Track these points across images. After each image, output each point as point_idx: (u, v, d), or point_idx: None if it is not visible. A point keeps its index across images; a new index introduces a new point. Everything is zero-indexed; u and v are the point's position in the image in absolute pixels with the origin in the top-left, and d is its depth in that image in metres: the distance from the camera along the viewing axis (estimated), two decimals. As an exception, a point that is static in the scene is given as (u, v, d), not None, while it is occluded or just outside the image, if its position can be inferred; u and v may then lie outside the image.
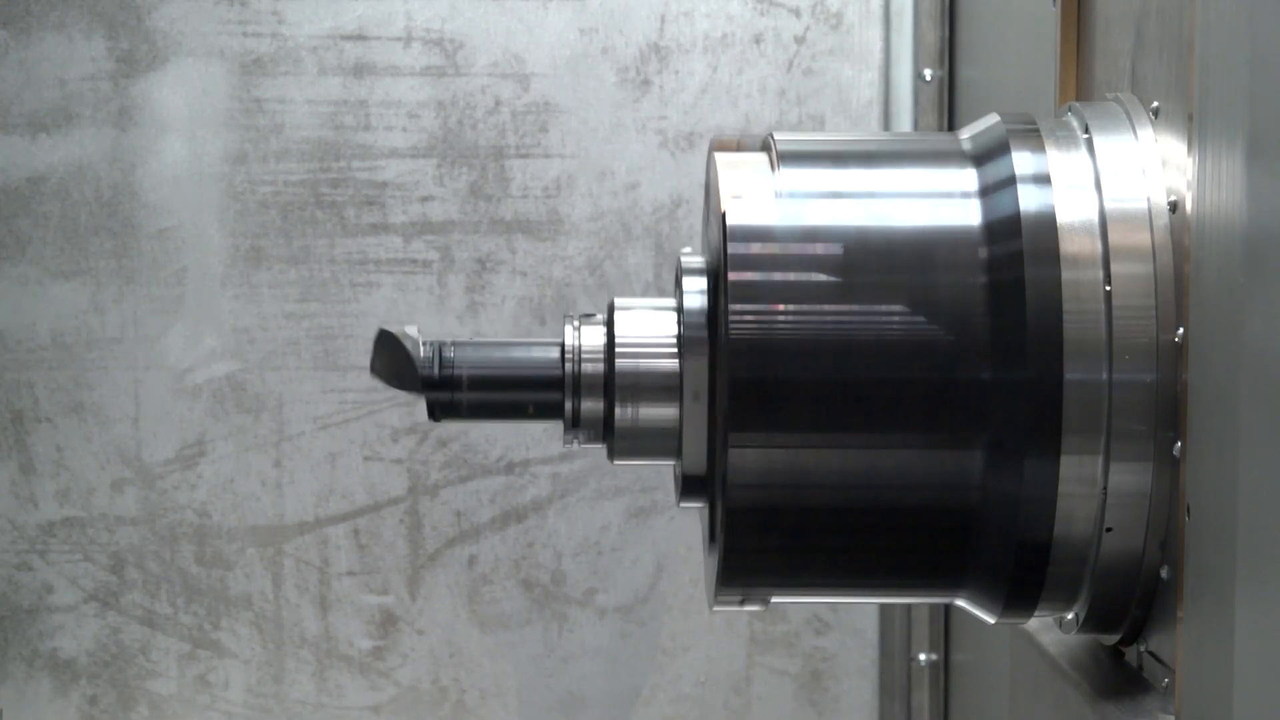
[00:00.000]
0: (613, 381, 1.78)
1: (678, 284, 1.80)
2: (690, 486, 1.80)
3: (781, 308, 1.69)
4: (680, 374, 1.76)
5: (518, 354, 1.84)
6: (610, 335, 1.80)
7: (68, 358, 3.01)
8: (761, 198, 1.73)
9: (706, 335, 1.75)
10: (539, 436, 3.03)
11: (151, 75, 2.98)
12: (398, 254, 3.01)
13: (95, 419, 3.02)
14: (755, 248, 1.70)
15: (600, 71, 3.00)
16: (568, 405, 1.80)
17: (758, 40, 2.99)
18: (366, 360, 3.00)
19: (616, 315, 1.80)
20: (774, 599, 1.80)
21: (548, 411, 1.82)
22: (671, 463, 1.83)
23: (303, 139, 2.99)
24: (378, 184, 3.00)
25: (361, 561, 3.05)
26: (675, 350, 1.77)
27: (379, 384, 1.86)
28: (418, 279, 3.01)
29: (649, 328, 1.80)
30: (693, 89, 3.00)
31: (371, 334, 3.04)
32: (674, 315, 1.79)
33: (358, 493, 3.05)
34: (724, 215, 1.71)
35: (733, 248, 1.70)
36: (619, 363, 1.78)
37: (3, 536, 3.04)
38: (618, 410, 1.78)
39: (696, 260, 1.81)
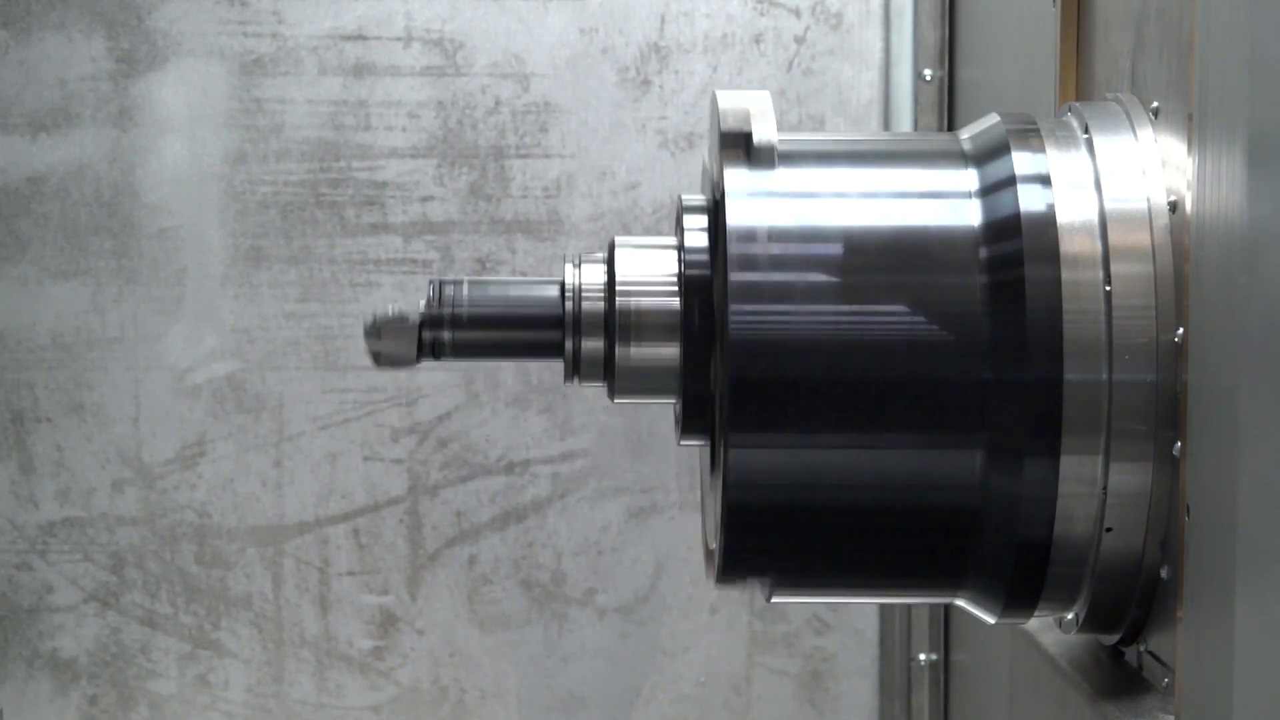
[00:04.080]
0: (613, 320, 1.77)
1: (679, 222, 1.80)
2: (691, 424, 1.78)
3: (781, 308, 1.69)
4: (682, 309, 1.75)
5: (518, 292, 1.83)
6: (611, 274, 1.79)
7: (68, 358, 3.01)
8: (763, 197, 1.73)
9: (709, 274, 1.74)
10: (539, 436, 3.03)
11: (151, 75, 2.98)
12: (398, 254, 3.01)
13: (95, 419, 3.02)
14: (755, 248, 1.70)
15: (600, 71, 3.00)
16: (568, 344, 1.79)
17: (758, 40, 2.99)
18: (366, 360, 3.01)
19: (617, 254, 1.80)
20: (774, 599, 1.80)
21: (547, 350, 1.81)
22: (672, 401, 1.81)
23: (303, 139, 2.99)
24: (378, 184, 3.00)
25: (361, 561, 3.05)
26: (676, 288, 1.76)
27: (376, 345, 1.83)
28: (418, 279, 3.01)
29: (649, 266, 1.79)
30: (693, 89, 3.00)
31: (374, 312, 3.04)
32: (675, 254, 1.79)
33: (358, 493, 3.05)
34: (724, 215, 1.71)
35: (733, 248, 1.70)
36: (619, 301, 1.77)
37: (3, 536, 3.04)
38: (618, 349, 1.77)
39: (697, 199, 1.81)
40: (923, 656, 3.04)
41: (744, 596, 3.02)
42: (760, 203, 1.73)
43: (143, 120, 2.99)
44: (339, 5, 2.98)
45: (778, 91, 2.99)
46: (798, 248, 1.71)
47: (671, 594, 3.06)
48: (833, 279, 1.70)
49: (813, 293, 1.70)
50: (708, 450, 1.81)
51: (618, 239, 1.82)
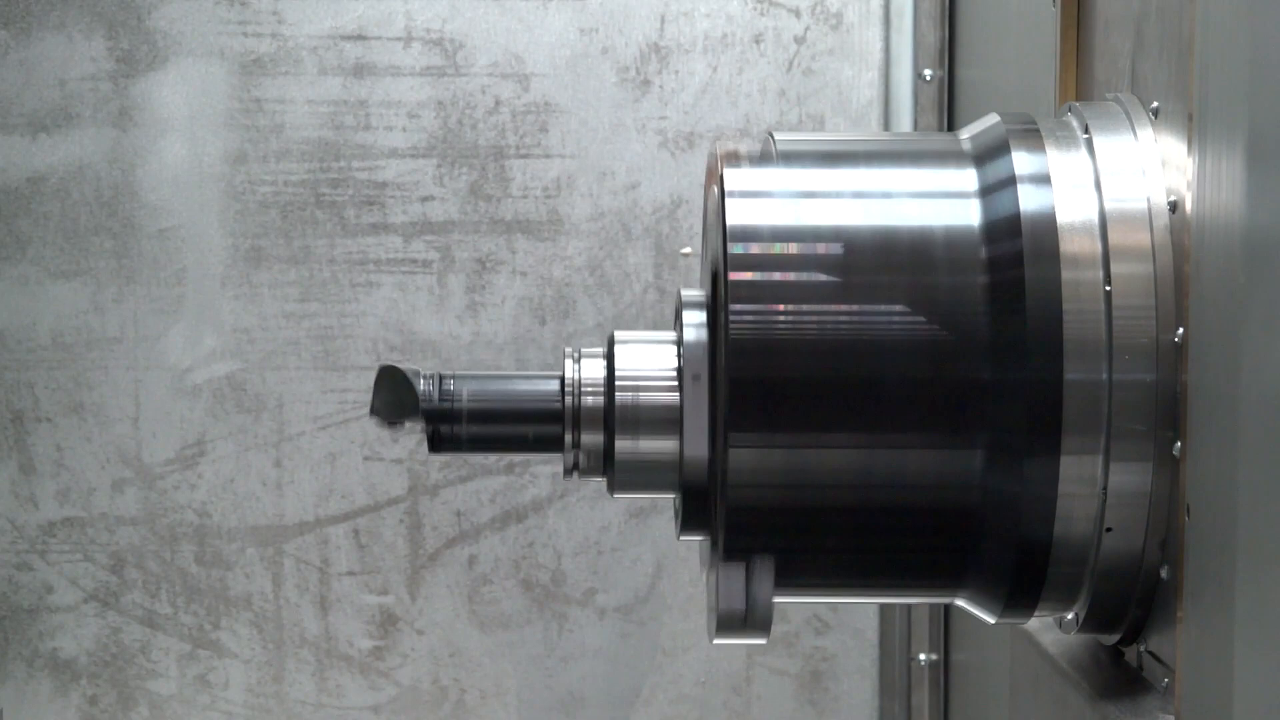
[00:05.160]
0: (613, 415, 1.79)
1: (677, 317, 1.81)
2: (691, 519, 1.80)
3: (781, 307, 1.69)
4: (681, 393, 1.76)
5: (518, 387, 1.85)
6: (610, 368, 1.80)
7: (68, 358, 3.01)
8: (762, 197, 1.73)
9: (707, 370, 1.75)
10: (539, 436, 3.03)
11: (151, 75, 2.98)
12: (398, 254, 3.01)
13: (95, 419, 3.02)
14: (755, 248, 1.70)
15: (600, 71, 3.00)
16: (567, 438, 1.80)
17: (758, 40, 2.99)
18: (366, 360, 3.01)
19: (616, 349, 1.81)
20: (775, 599, 1.80)
21: (547, 444, 1.82)
22: (671, 495, 1.83)
23: (303, 139, 2.99)
24: (378, 184, 3.00)
25: (361, 561, 3.05)
26: (675, 384, 1.77)
27: (379, 425, 1.87)
28: (418, 279, 3.01)
29: (649, 361, 1.80)
30: (693, 89, 3.00)
31: (372, 334, 3.05)
32: (674, 349, 1.80)
33: (358, 493, 3.05)
34: (724, 215, 1.71)
35: (733, 248, 1.70)
36: (619, 396, 1.79)
37: (3, 536, 3.04)
38: (618, 443, 1.78)
39: (696, 294, 1.82)
40: (923, 656, 3.04)
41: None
42: (760, 203, 1.73)
43: (143, 120, 2.99)
44: (339, 5, 2.98)
45: (778, 91, 2.99)
46: (797, 247, 1.71)
47: (671, 594, 3.06)
48: (833, 279, 1.70)
49: (813, 292, 1.70)
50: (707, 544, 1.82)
51: (617, 334, 1.83)
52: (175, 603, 3.05)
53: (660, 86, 3.00)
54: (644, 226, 3.01)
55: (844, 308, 1.69)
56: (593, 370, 1.81)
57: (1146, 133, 1.72)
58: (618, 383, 1.79)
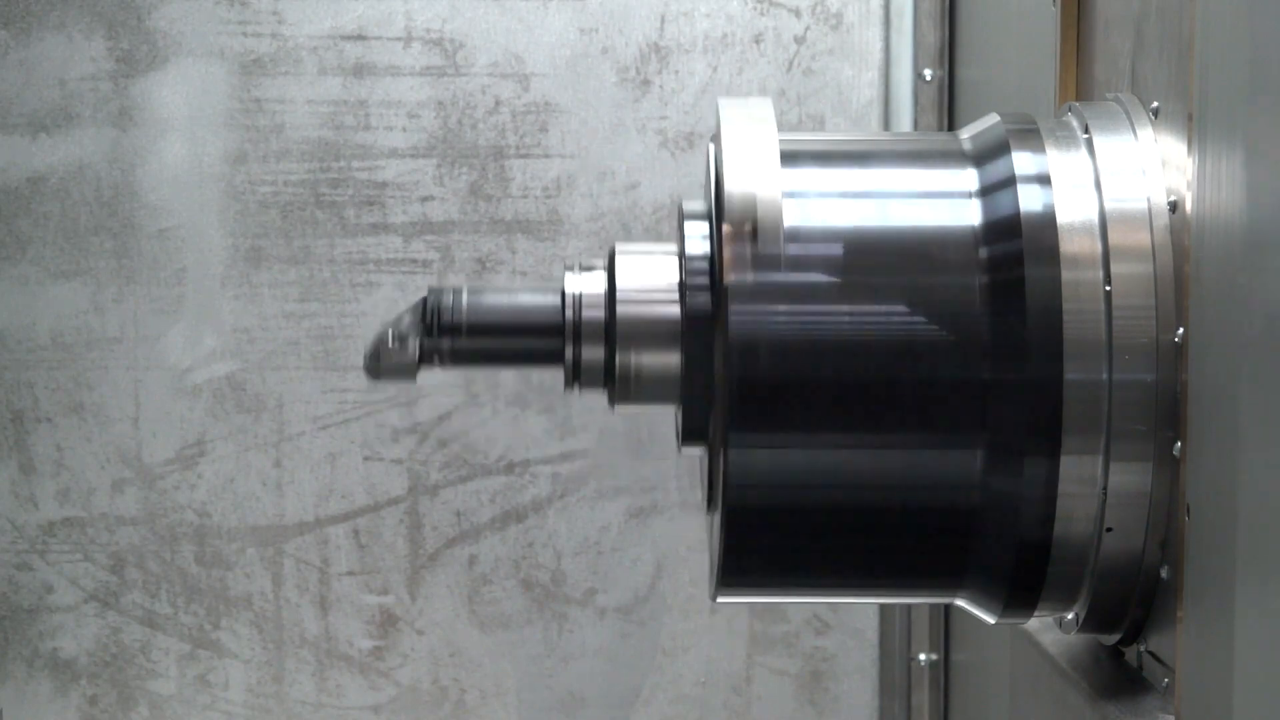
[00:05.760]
0: (614, 328, 1.77)
1: (680, 228, 1.79)
2: (691, 431, 1.78)
3: (782, 308, 1.69)
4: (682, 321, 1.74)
5: (518, 300, 1.83)
6: (611, 282, 1.79)
7: (68, 358, 3.01)
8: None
9: (708, 281, 1.74)
10: (539, 436, 3.03)
11: (151, 75, 2.98)
12: (398, 254, 3.01)
13: (95, 419, 3.02)
14: (755, 248, 1.70)
15: (600, 71, 3.00)
16: (568, 352, 1.79)
17: (758, 40, 2.99)
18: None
19: (618, 261, 1.79)
20: (774, 599, 1.80)
21: (548, 358, 1.81)
22: (673, 408, 1.81)
23: (303, 139, 2.99)
24: (378, 184, 3.00)
25: (361, 561, 3.05)
26: (676, 296, 1.76)
27: (375, 375, 1.84)
28: (418, 279, 3.01)
29: (650, 273, 1.79)
30: (693, 89, 3.00)
31: (371, 334, 3.04)
32: (675, 261, 1.78)
33: (358, 493, 3.05)
34: (725, 215, 1.71)
35: (731, 248, 1.69)
36: (620, 309, 1.77)
37: (3, 536, 3.04)
38: (619, 357, 1.76)
39: (698, 204, 1.80)
40: (923, 656, 3.04)
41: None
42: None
43: (143, 120, 2.99)
44: (339, 5, 2.98)
45: (778, 91, 2.99)
46: (797, 248, 1.71)
47: (671, 594, 3.06)
48: (833, 279, 1.70)
49: (813, 292, 1.70)
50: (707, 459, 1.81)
51: (618, 245, 1.81)
52: (175, 603, 3.05)
53: (660, 86, 3.00)
54: (644, 226, 3.01)
55: (844, 308, 1.69)
56: (594, 284, 1.79)
57: (1146, 133, 1.73)
58: (619, 296, 1.77)
